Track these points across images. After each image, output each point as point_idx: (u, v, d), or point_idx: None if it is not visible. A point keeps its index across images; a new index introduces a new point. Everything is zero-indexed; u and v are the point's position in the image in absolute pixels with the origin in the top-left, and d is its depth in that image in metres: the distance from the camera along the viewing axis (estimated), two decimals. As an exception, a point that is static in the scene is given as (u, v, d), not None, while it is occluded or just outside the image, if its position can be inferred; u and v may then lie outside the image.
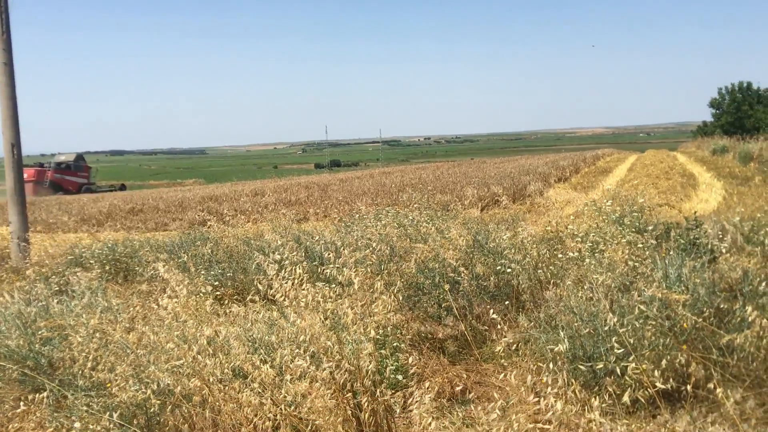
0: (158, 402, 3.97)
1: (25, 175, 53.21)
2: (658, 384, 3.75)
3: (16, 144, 12.71)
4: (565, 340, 3.87)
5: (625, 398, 3.51)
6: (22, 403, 4.16)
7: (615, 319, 3.98)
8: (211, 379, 3.87)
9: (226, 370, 4.14)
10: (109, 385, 4.36)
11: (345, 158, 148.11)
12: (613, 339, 3.82)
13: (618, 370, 3.79)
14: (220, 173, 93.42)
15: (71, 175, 54.61)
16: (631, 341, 4.01)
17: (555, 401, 3.06)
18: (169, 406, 4.03)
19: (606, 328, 4.31)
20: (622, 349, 3.86)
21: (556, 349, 3.81)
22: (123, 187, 59.14)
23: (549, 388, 3.37)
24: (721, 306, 5.03)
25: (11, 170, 12.70)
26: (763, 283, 4.92)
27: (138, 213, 24.43)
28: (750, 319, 4.18)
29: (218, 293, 7.46)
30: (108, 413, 3.95)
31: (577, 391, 3.46)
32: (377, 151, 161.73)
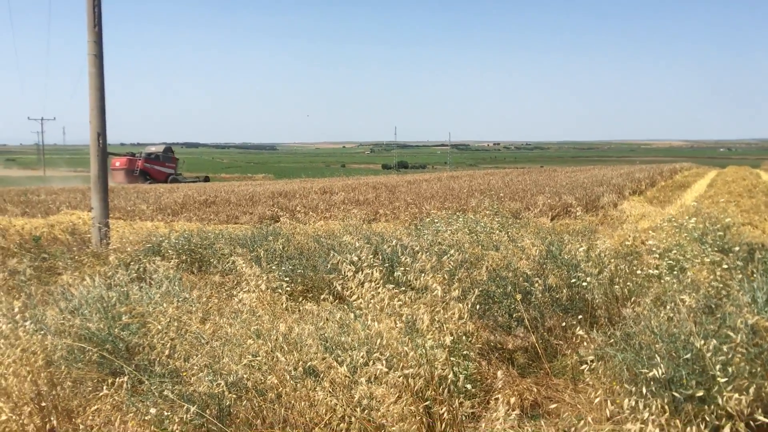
0: (233, 396, 4.03)
1: (118, 163, 56.40)
2: (759, 416, 3.54)
3: (101, 133, 13.25)
4: (662, 365, 3.69)
5: (727, 430, 3.33)
6: (105, 387, 4.29)
7: (711, 344, 3.78)
8: (287, 377, 3.90)
9: (298, 368, 4.16)
10: (184, 373, 4.45)
11: (412, 160, 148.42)
12: (717, 367, 3.62)
13: (719, 400, 3.59)
14: (289, 169, 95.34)
15: (160, 165, 57.44)
16: (730, 369, 3.80)
17: (654, 428, 2.92)
18: (244, 400, 4.09)
19: (691, 353, 4.11)
20: (725, 378, 3.66)
21: (650, 374, 3.63)
22: (207, 179, 61.49)
23: (642, 414, 3.22)
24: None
25: (96, 158, 13.24)
26: None
27: (211, 205, 25.09)
28: None
29: (288, 288, 7.56)
30: (183, 402, 4.03)
31: (666, 418, 3.30)
32: (445, 154, 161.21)
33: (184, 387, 4.31)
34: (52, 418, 4.22)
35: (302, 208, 19.55)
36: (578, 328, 4.59)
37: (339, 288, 4.42)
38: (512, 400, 3.46)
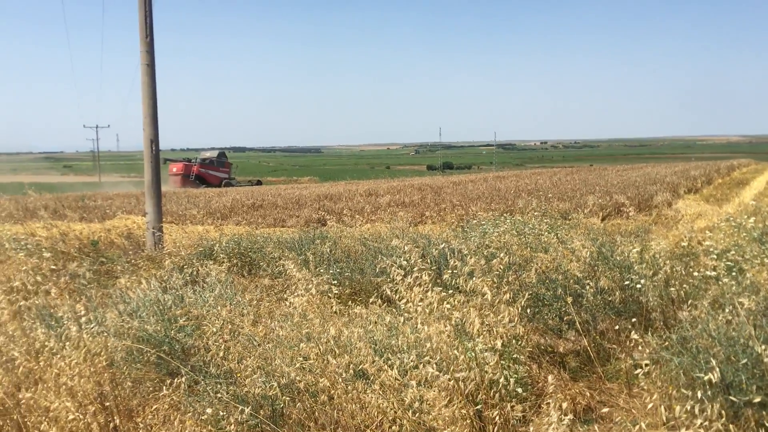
0: (287, 398, 4.10)
1: (175, 169, 58.54)
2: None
3: (154, 140, 13.60)
4: (717, 368, 3.61)
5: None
6: (163, 387, 4.42)
7: (762, 347, 3.68)
8: (339, 379, 3.95)
9: (349, 370, 4.21)
10: (238, 375, 4.56)
11: (457, 161, 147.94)
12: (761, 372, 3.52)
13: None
14: (333, 172, 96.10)
15: (214, 170, 59.19)
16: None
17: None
18: (296, 402, 4.15)
19: (750, 357, 4.00)
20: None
21: (706, 378, 3.56)
22: (259, 183, 62.89)
23: (698, 419, 3.16)
24: None
25: (150, 164, 13.60)
26: None
27: (258, 209, 25.46)
28: None
29: (336, 292, 7.66)
30: (238, 403, 4.13)
31: (724, 424, 3.23)
32: (490, 154, 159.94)
33: (238, 388, 4.42)
34: (114, 417, 4.37)
35: (348, 210, 19.68)
36: (633, 332, 4.51)
37: (388, 291, 4.45)
38: (564, 404, 3.42)
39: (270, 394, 4.13)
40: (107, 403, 4.36)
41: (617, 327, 6.18)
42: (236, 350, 4.86)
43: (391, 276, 4.49)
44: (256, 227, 18.65)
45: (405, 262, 4.48)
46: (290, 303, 5.02)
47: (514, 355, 5.09)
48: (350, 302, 7.25)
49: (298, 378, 4.20)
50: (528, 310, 6.50)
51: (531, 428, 4.48)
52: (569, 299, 6.16)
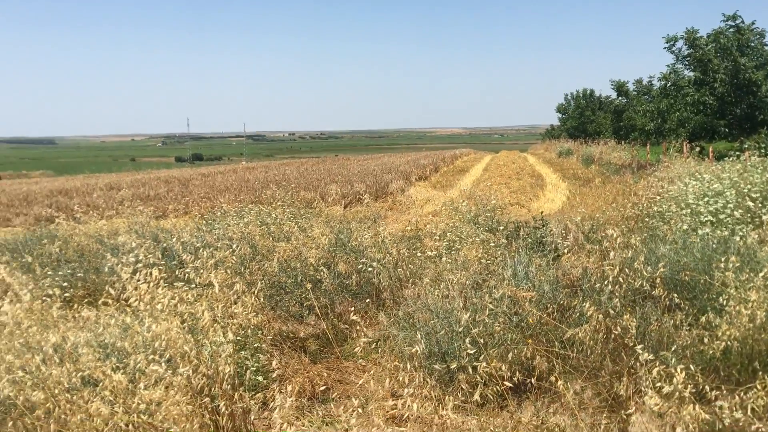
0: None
1: None
2: (506, 381, 4.00)
3: None
4: (422, 340, 4.02)
5: (476, 396, 3.72)
6: None
7: (467, 317, 4.20)
8: (57, 389, 3.65)
9: (74, 379, 3.92)
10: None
11: (207, 152, 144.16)
12: (467, 339, 4.02)
13: (470, 368, 4.01)
14: (71, 165, 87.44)
15: None
16: (482, 339, 4.25)
17: (411, 402, 3.19)
18: (10, 421, 3.75)
19: (460, 326, 4.53)
20: (475, 349, 4.08)
21: (413, 350, 3.95)
22: None
23: (406, 389, 3.50)
24: (563, 302, 5.46)
25: None
26: (600, 281, 5.32)
27: (-28, 207, 22.25)
28: (588, 314, 4.53)
29: (67, 295, 7.05)
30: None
31: (432, 389, 3.62)
32: (241, 145, 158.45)
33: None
34: None
35: (83, 206, 18.10)
36: (352, 314, 4.84)
37: (111, 291, 4.22)
38: (290, 387, 3.57)
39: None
40: None
41: (353, 308, 6.58)
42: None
43: (120, 274, 4.26)
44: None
45: (133, 259, 4.28)
46: (2, 311, 4.49)
47: (256, 344, 5.17)
48: (85, 304, 6.73)
49: (12, 394, 3.80)
50: (270, 299, 6.63)
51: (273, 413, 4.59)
52: (309, 285, 6.40)
